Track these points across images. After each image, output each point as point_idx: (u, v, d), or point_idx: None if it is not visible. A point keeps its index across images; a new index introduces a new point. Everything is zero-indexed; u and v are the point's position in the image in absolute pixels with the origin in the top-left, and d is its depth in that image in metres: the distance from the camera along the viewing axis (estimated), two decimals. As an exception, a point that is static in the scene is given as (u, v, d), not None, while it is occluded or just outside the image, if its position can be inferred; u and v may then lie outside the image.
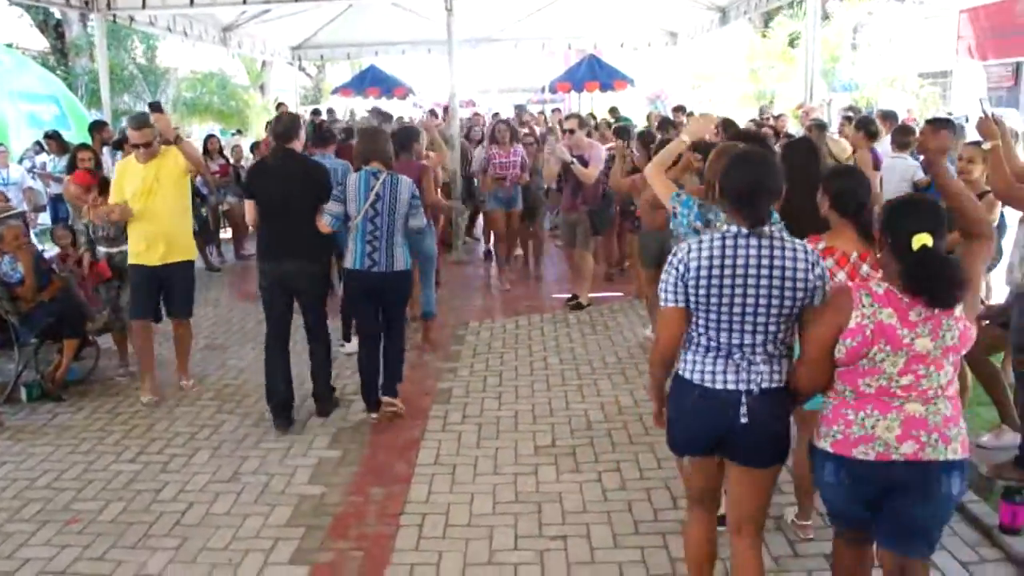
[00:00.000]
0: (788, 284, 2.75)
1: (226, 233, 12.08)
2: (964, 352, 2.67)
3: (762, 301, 2.75)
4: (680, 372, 2.92)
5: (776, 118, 11.32)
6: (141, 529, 4.27)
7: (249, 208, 5.49)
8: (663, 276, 2.88)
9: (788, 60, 20.03)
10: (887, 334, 2.59)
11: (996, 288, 5.36)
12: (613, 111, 17.58)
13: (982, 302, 5.11)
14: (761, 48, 21.70)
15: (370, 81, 20.23)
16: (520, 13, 17.73)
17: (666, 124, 9.10)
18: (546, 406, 5.88)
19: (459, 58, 11.96)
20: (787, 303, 2.76)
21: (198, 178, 7.32)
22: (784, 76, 19.60)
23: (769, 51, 20.93)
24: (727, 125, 6.74)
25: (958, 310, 2.60)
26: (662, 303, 2.88)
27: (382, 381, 5.61)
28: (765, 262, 2.76)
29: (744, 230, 2.80)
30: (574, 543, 4.05)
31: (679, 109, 14.08)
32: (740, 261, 2.76)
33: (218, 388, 6.39)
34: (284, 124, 5.58)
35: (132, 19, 12.80)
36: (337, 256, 6.40)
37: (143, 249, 5.97)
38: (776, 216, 3.54)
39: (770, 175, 2.84)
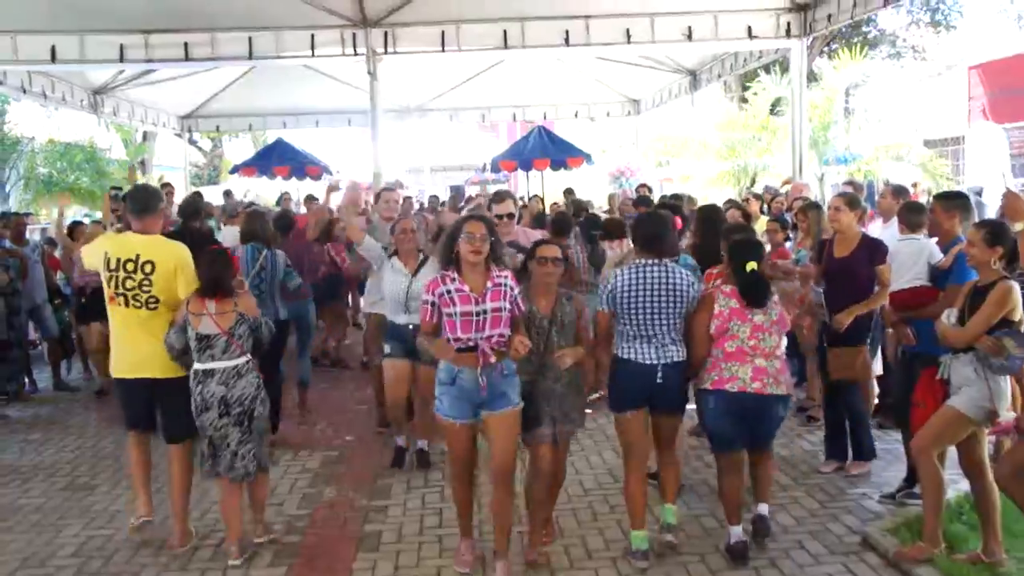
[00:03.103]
0: (679, 296, 5.44)
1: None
2: (785, 329, 5.63)
3: (664, 306, 5.40)
4: (619, 355, 5.50)
5: (773, 198, 11.70)
6: None
7: None
8: (599, 291, 5.69)
9: (770, 130, 20.58)
10: (736, 314, 5.44)
11: None
12: (568, 193, 17.83)
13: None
14: (739, 117, 22.33)
15: (277, 158, 20.29)
16: (456, 79, 18.04)
17: (645, 202, 9.28)
18: (499, 552, 5.70)
19: (384, 131, 12.09)
20: (679, 308, 5.44)
21: (59, 275, 7.68)
22: (767, 149, 20.09)
23: (748, 120, 21.49)
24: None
25: (775, 297, 5.61)
26: (600, 307, 5.58)
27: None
28: (664, 282, 5.44)
29: (651, 261, 5.51)
30: None
31: (643, 187, 14.38)
32: (650, 281, 5.43)
33: (79, 543, 6.09)
34: (188, 204, 8.90)
35: (-26, 75, 12.68)
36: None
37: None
38: (685, 257, 6.50)
39: (664, 228, 5.72)
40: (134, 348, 5.78)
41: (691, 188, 20.03)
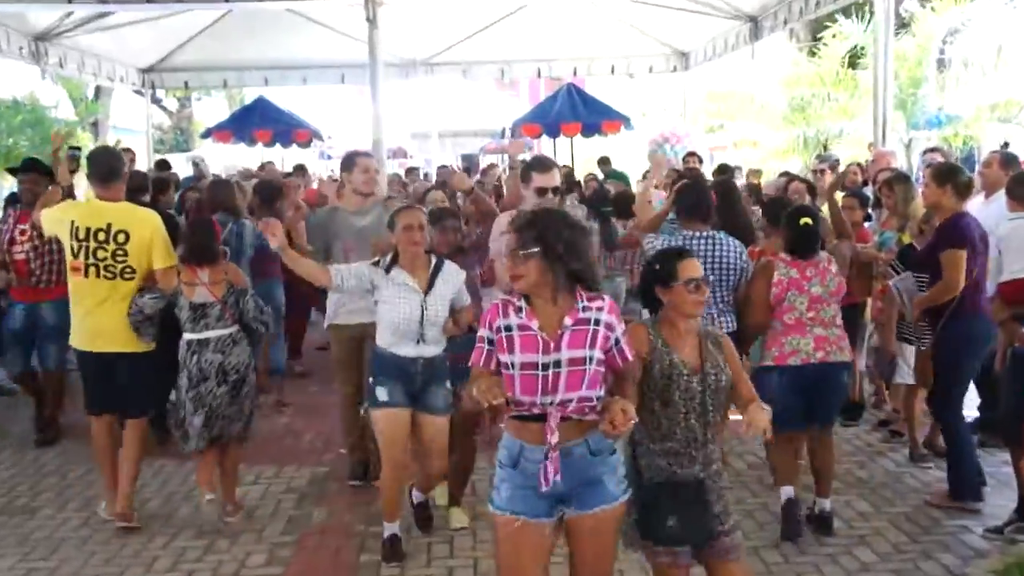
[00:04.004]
0: (729, 268, 6.48)
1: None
2: (841, 296, 6.41)
3: (711, 276, 6.09)
4: None
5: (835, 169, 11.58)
6: None
7: None
8: None
9: (848, 87, 20.30)
10: (794, 284, 6.17)
11: None
12: (604, 163, 17.70)
13: None
14: (809, 72, 22.05)
15: (258, 120, 20.21)
16: (470, 27, 17.99)
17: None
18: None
19: (386, 89, 12.01)
20: (729, 280, 6.49)
21: None
22: (843, 110, 19.85)
23: (820, 76, 21.17)
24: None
25: (834, 268, 6.32)
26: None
27: None
28: (712, 253, 6.44)
29: (697, 232, 6.61)
30: None
31: (692, 156, 14.29)
32: (697, 253, 5.87)
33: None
34: (137, 180, 9.02)
35: None
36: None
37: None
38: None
39: (707, 196, 6.92)
40: (100, 321, 6.46)
41: (750, 158, 19.90)
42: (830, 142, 19.83)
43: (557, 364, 3.93)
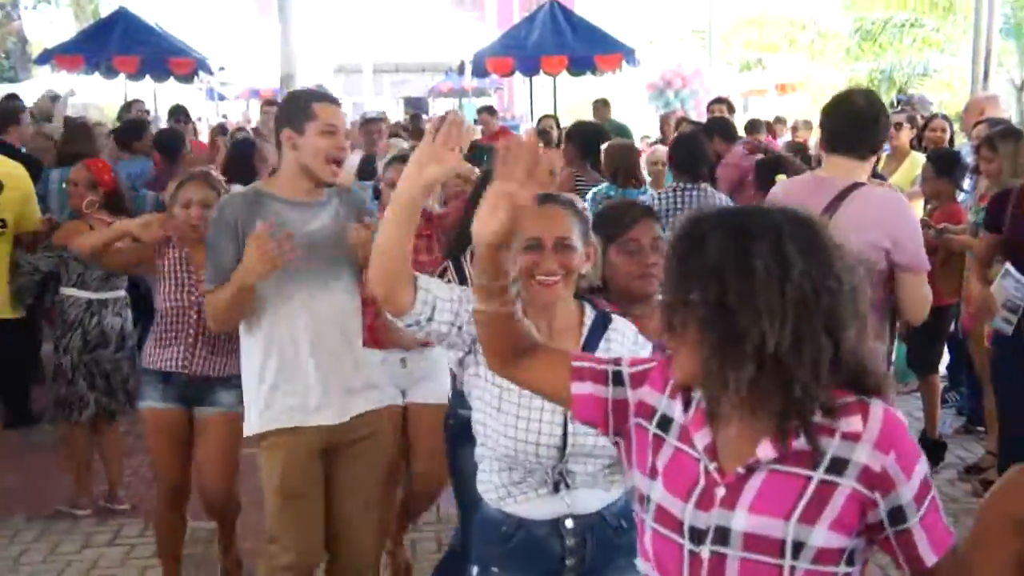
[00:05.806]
0: None
1: None
2: None
3: None
4: None
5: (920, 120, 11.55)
6: None
7: None
8: None
9: (940, 8, 20.41)
10: None
11: None
12: (601, 107, 17.51)
13: None
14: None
15: (119, 42, 19.90)
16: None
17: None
18: None
19: (301, 5, 11.96)
20: None
21: None
22: (928, 40, 19.96)
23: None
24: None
25: None
26: None
27: None
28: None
29: (689, 185, 8.19)
30: None
31: (720, 102, 14.29)
32: (688, 207, 7.77)
33: None
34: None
35: None
36: None
37: None
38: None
39: (704, 149, 8.76)
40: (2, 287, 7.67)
41: (799, 105, 19.92)
42: (911, 83, 19.85)
43: (722, 538, 2.46)
